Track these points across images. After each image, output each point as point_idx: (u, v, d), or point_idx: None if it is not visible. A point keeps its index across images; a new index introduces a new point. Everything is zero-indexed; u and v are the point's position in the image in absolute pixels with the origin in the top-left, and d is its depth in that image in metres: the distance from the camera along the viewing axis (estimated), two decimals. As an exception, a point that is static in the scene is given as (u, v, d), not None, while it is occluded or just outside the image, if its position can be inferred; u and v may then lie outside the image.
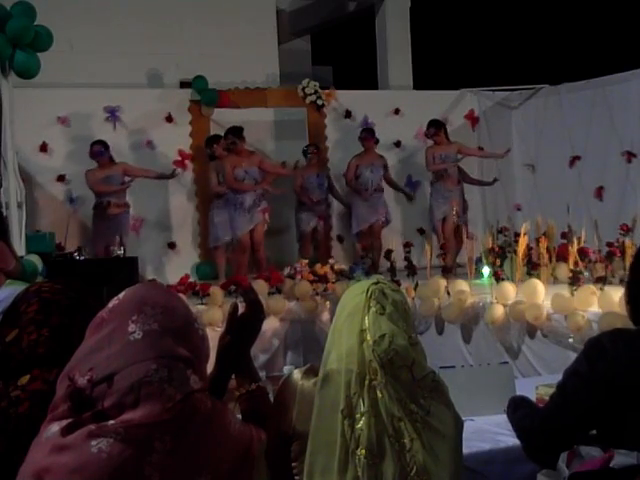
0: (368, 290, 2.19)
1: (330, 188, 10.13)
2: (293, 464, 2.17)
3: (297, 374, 2.25)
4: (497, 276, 7.21)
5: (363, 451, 2.03)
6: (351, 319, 2.17)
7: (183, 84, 10.78)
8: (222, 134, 9.42)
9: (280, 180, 9.84)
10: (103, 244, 8.73)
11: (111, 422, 1.69)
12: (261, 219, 9.13)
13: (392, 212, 10.66)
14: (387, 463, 2.04)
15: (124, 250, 8.32)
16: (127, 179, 9.03)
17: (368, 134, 9.96)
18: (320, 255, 9.75)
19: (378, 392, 2.08)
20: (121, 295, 1.86)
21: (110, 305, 1.84)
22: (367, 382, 2.09)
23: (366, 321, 2.14)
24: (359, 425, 2.06)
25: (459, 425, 2.20)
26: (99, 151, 8.92)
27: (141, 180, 9.21)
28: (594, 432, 2.56)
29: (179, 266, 9.88)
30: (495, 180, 10.10)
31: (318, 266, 8.55)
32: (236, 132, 9.19)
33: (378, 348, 2.10)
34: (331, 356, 2.16)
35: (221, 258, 9.48)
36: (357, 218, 9.84)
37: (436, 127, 9.64)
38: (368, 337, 2.12)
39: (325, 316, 8.14)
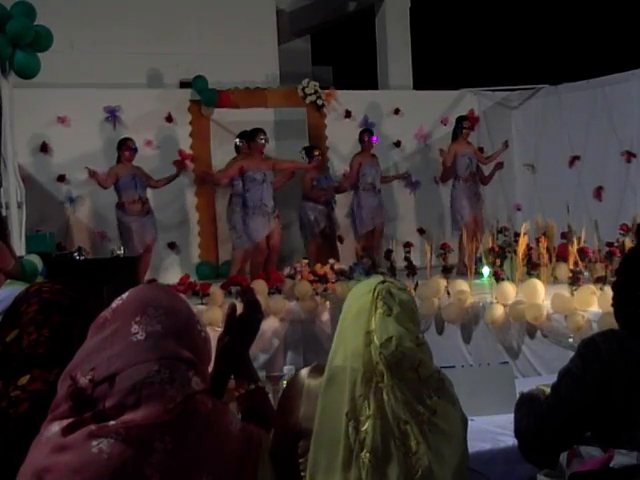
0: (375, 290, 2.15)
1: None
2: (300, 460, 2.16)
3: (304, 372, 2.24)
4: (497, 276, 7.20)
5: (368, 454, 2.01)
6: (357, 320, 2.14)
7: (183, 84, 10.78)
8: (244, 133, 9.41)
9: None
10: (144, 242, 8.78)
11: (112, 422, 1.69)
12: (276, 224, 9.13)
13: (392, 212, 10.68)
14: (392, 466, 2.02)
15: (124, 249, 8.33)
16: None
17: (369, 134, 9.97)
18: (331, 255, 9.76)
19: (384, 395, 2.06)
20: (125, 296, 1.86)
21: (113, 305, 1.84)
22: (373, 384, 2.06)
23: (373, 323, 2.12)
24: (364, 428, 2.03)
25: (464, 422, 2.20)
26: (133, 148, 8.97)
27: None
28: (589, 434, 2.57)
29: (179, 266, 9.90)
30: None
31: (318, 266, 8.55)
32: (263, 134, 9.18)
33: (385, 351, 2.08)
34: (337, 356, 2.13)
35: (239, 260, 9.41)
36: (361, 219, 9.81)
37: (469, 122, 9.71)
38: (375, 339, 2.10)
39: (325, 316, 8.14)
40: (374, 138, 9.97)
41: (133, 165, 9.06)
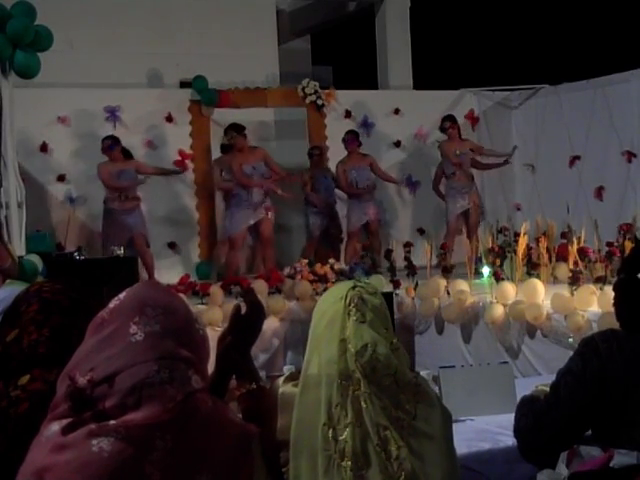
0: (346, 297, 2.14)
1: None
2: (283, 469, 2.16)
3: (279, 381, 2.22)
4: (497, 276, 7.21)
5: (349, 462, 2.00)
6: (330, 328, 2.12)
7: (183, 84, 10.78)
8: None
9: (287, 185, 9.84)
10: (124, 238, 8.77)
11: (112, 422, 1.69)
12: (263, 215, 9.13)
13: (392, 212, 10.66)
14: (373, 472, 2.01)
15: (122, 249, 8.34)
16: (140, 177, 9.10)
17: (351, 137, 9.90)
18: (334, 255, 9.77)
19: (362, 402, 2.04)
20: (122, 295, 1.85)
21: (111, 305, 1.84)
22: (350, 392, 2.05)
23: (347, 330, 2.10)
24: (343, 436, 2.02)
25: (447, 420, 2.16)
26: (109, 146, 8.94)
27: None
28: (589, 434, 2.57)
29: (179, 266, 9.89)
30: (507, 161, 10.33)
31: (318, 266, 8.55)
32: (236, 128, 9.22)
33: (361, 359, 2.07)
34: (311, 365, 2.12)
35: (222, 255, 9.52)
36: (349, 219, 9.87)
37: (451, 121, 9.85)
38: (350, 347, 2.08)
39: (325, 316, 8.12)
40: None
41: (125, 160, 9.04)
